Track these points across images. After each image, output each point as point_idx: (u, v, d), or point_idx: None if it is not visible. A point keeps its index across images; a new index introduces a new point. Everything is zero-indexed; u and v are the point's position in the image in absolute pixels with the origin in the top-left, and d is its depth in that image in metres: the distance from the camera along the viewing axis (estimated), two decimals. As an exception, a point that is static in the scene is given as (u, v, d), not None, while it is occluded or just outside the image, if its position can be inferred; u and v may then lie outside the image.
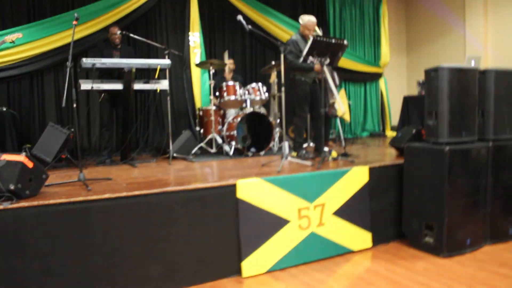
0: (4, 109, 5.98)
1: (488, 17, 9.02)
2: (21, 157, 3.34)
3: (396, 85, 10.64)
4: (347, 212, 4.21)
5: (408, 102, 7.94)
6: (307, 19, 5.42)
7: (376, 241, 4.37)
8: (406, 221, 4.39)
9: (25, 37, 6.13)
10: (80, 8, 6.80)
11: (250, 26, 4.79)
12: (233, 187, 3.68)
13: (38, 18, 6.70)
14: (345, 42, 4.74)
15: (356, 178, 4.27)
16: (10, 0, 6.61)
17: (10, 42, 5.09)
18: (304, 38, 5.39)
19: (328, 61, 4.73)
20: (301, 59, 4.77)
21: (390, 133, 9.74)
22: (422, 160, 4.21)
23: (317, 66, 5.09)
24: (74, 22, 4.18)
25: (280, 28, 8.46)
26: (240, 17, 4.79)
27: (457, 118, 4.07)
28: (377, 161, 4.80)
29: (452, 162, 3.95)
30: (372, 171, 4.38)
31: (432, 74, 4.13)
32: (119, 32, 5.90)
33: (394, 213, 4.52)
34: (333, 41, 4.66)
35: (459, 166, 4.02)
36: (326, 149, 5.20)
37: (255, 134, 6.20)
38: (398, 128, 7.86)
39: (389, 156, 5.48)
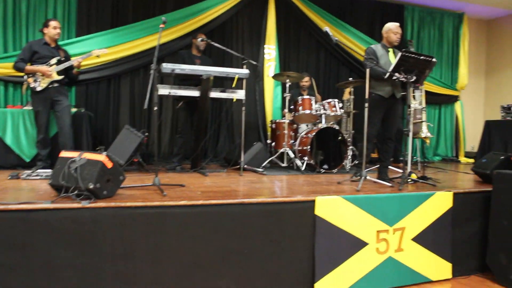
0: (82, 110, 6.14)
1: None
2: (101, 157, 3.33)
3: (472, 109, 10.12)
4: (427, 239, 3.95)
5: (490, 126, 7.48)
6: (390, 23, 4.91)
7: (457, 272, 4.08)
8: (491, 254, 4.05)
9: (107, 41, 6.35)
10: (161, 16, 6.92)
11: (336, 39, 4.62)
12: (311, 203, 3.53)
13: (121, 25, 6.91)
14: (434, 59, 4.46)
15: (439, 203, 4.01)
16: (96, 8, 6.86)
17: (96, 56, 5.45)
18: (386, 47, 4.91)
19: (414, 78, 4.47)
20: (387, 74, 4.52)
21: (464, 159, 9.24)
22: (514, 190, 3.86)
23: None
24: (161, 26, 4.20)
25: (356, 45, 8.22)
26: (327, 29, 4.61)
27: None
28: (460, 186, 4.50)
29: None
30: (456, 197, 4.09)
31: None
32: (201, 39, 5.94)
33: (478, 244, 4.21)
34: (422, 57, 4.41)
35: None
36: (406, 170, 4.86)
37: (328, 151, 6.00)
38: (478, 153, 7.43)
39: (471, 182, 5.13)
